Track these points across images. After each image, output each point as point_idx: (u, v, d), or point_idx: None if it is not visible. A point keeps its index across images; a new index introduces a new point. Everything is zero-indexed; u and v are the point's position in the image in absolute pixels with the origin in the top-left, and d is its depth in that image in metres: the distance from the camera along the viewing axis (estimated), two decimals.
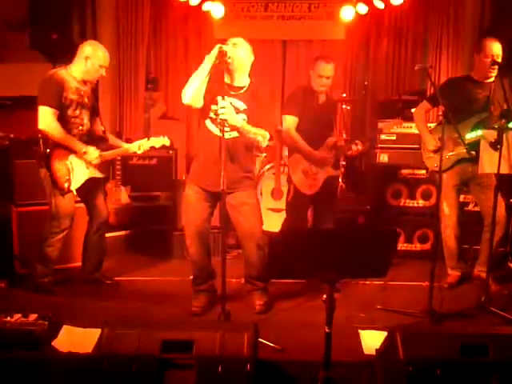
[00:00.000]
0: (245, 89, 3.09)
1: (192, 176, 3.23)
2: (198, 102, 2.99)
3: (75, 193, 3.39)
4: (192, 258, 3.27)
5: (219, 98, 2.87)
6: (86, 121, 3.41)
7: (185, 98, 2.97)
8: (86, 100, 3.40)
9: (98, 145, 3.43)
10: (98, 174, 3.48)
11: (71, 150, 3.31)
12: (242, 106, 3.05)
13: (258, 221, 3.21)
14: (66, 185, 3.33)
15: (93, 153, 3.35)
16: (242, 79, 3.09)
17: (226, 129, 2.84)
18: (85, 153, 3.33)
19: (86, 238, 3.60)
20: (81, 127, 3.38)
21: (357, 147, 3.68)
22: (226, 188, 2.79)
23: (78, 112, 3.34)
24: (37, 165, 3.36)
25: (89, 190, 3.49)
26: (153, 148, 3.60)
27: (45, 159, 3.29)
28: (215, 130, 3.03)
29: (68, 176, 3.33)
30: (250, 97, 3.07)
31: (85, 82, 3.40)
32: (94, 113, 3.52)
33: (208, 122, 3.09)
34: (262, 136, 3.04)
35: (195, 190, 3.16)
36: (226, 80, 3.09)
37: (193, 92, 2.94)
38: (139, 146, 3.51)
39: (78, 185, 3.38)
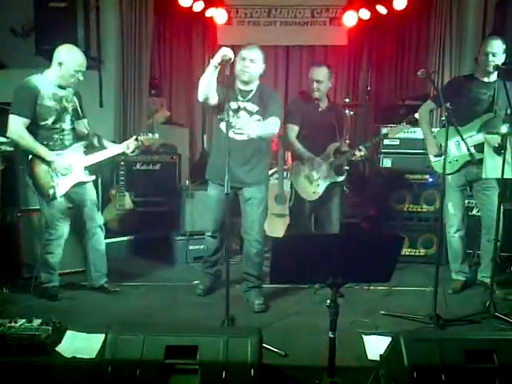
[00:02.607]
0: (253, 92, 3.28)
1: (212, 173, 3.41)
2: (212, 99, 3.17)
3: (58, 199, 3.31)
4: (207, 245, 3.57)
5: (240, 113, 3.21)
6: (67, 126, 3.35)
7: (199, 96, 3.17)
8: (66, 104, 3.34)
9: (80, 150, 3.39)
10: (86, 178, 3.42)
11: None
12: (254, 108, 3.26)
13: (260, 215, 3.36)
14: (50, 191, 3.27)
15: (62, 164, 3.28)
16: (252, 85, 3.28)
17: (238, 133, 3.24)
18: (52, 162, 3.26)
19: (83, 244, 3.55)
20: (62, 133, 3.32)
21: (360, 152, 3.69)
22: (239, 184, 3.25)
23: (56, 118, 3.28)
24: (23, 172, 3.35)
25: (78, 197, 3.44)
26: (144, 146, 3.56)
27: (27, 167, 3.27)
28: (230, 134, 3.16)
29: (52, 182, 3.27)
30: (259, 97, 3.27)
31: (62, 87, 3.32)
32: (78, 116, 3.44)
33: (222, 125, 3.26)
34: (272, 126, 3.24)
35: (214, 187, 3.37)
36: (239, 85, 3.27)
37: (203, 91, 3.13)
38: (127, 146, 3.44)
39: (64, 191, 3.33)
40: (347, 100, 5.56)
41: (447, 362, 2.10)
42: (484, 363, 2.12)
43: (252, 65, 3.20)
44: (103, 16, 5.28)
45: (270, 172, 4.67)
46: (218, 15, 5.68)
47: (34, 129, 3.23)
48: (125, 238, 4.54)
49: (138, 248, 4.58)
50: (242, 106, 3.26)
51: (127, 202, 4.60)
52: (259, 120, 3.26)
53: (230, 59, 2.93)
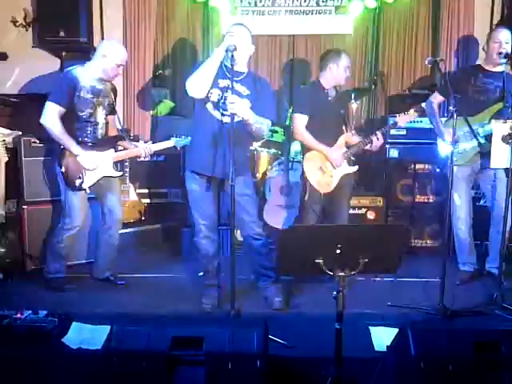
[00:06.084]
0: (244, 74, 3.11)
1: (192, 163, 3.16)
2: (204, 94, 3.01)
3: (88, 191, 3.38)
4: (204, 251, 3.28)
5: (229, 92, 2.90)
6: (100, 120, 3.40)
7: (191, 91, 3.00)
8: (102, 99, 3.39)
9: (112, 145, 3.45)
10: (113, 173, 3.47)
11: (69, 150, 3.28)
12: (244, 90, 3.08)
13: (256, 210, 3.26)
14: (77, 182, 3.33)
15: (86, 160, 3.32)
16: (241, 65, 3.09)
17: (228, 115, 2.89)
18: (78, 156, 3.30)
19: (97, 235, 3.59)
20: (95, 126, 3.38)
21: (377, 139, 3.63)
22: (227, 173, 2.80)
23: (91, 111, 3.33)
24: (52, 161, 3.38)
25: (102, 189, 3.49)
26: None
27: (59, 156, 3.30)
28: (217, 114, 3.02)
29: (80, 173, 3.32)
30: (252, 83, 3.10)
31: (102, 81, 3.37)
32: (112, 111, 3.51)
33: (210, 106, 3.07)
34: (265, 126, 3.07)
35: (198, 182, 3.12)
36: (227, 63, 3.02)
37: (201, 85, 2.97)
38: (144, 152, 3.50)
39: (91, 183, 3.38)
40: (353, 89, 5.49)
41: (454, 353, 2.09)
42: (491, 354, 2.11)
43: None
44: (106, 7, 5.24)
45: (276, 162, 4.65)
46: (222, 5, 5.63)
47: (70, 120, 3.27)
48: (129, 230, 4.53)
49: (143, 240, 4.57)
50: (231, 85, 2.90)
51: (131, 193, 4.59)
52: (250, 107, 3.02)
53: (236, 49, 2.87)
